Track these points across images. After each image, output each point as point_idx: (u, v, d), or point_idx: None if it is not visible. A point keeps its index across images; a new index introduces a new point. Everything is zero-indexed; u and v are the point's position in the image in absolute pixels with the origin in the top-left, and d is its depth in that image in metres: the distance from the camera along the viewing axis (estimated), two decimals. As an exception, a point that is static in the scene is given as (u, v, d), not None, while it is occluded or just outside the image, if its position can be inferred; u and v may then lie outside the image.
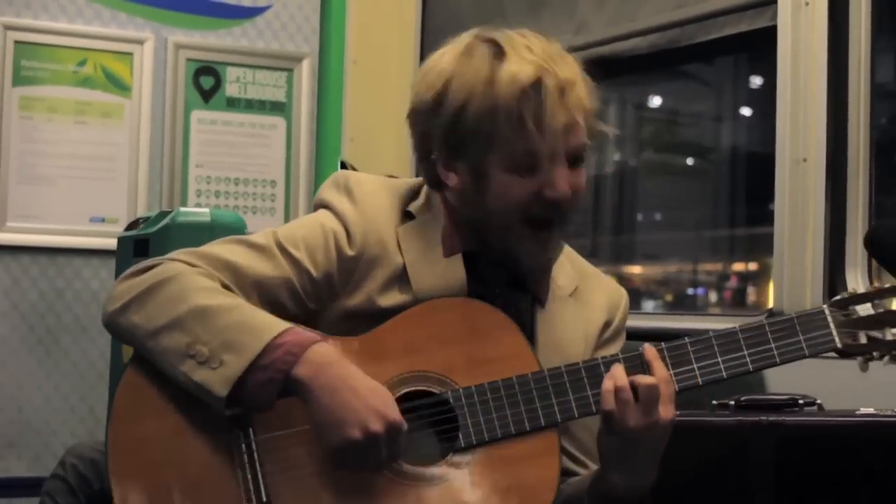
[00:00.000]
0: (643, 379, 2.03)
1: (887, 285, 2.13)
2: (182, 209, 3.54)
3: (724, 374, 2.09)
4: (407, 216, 2.24)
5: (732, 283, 8.67)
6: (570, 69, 2.13)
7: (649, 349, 2.09)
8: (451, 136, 2.13)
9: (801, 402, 2.71)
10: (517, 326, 2.14)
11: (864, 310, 2.11)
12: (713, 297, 8.74)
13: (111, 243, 4.30)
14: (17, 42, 4.84)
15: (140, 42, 5.03)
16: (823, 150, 3.49)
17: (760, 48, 3.91)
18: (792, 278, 3.52)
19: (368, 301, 2.16)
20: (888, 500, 2.52)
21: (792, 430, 2.55)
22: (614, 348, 2.34)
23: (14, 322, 4.80)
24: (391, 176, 2.39)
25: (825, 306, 2.11)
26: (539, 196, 2.10)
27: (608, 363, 2.10)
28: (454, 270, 2.20)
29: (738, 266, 8.40)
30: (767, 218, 3.73)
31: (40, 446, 4.80)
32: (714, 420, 2.56)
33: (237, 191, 5.18)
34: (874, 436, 2.58)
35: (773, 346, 2.09)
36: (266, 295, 2.13)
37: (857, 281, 3.45)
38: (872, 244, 2.28)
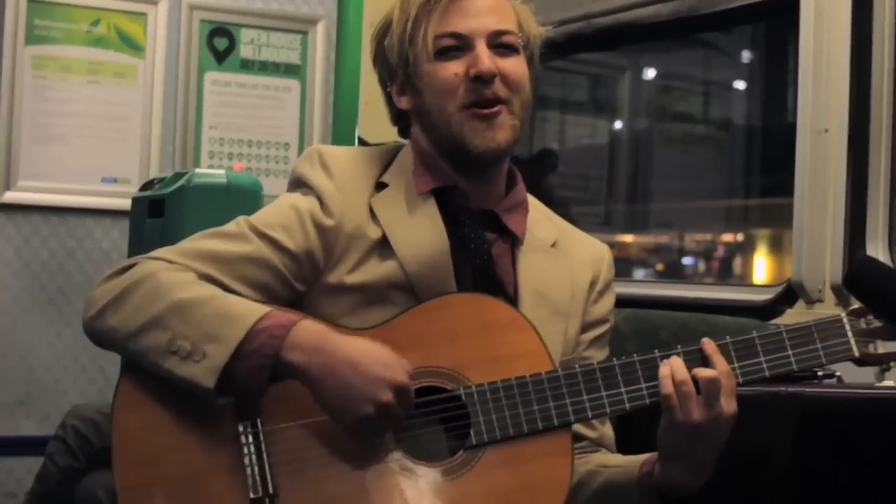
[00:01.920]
0: (704, 372, 2.02)
1: None
2: (198, 170, 3.51)
3: (741, 379, 2.07)
4: (380, 186, 2.24)
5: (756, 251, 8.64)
6: None
7: (709, 343, 2.08)
8: (390, 63, 2.26)
9: (820, 374, 2.69)
10: (531, 323, 2.12)
11: (881, 320, 2.10)
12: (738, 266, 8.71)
13: (123, 204, 4.28)
14: (30, 1, 4.81)
15: (154, 2, 5.00)
16: (846, 120, 3.45)
17: (782, 16, 3.87)
18: (811, 249, 3.49)
19: (352, 274, 2.15)
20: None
21: (811, 401, 2.53)
22: (607, 302, 2.36)
23: (25, 281, 4.79)
24: (365, 143, 2.42)
25: (843, 315, 2.11)
26: (466, 76, 2.17)
27: (624, 365, 2.08)
28: (431, 222, 2.20)
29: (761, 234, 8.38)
30: (783, 189, 3.71)
31: (50, 405, 4.79)
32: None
33: (250, 153, 5.16)
34: (894, 408, 2.55)
35: (790, 353, 2.09)
36: (252, 280, 2.12)
37: (877, 253, 3.42)
38: (853, 282, 2.25)
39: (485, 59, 2.17)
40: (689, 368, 2.03)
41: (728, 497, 2.53)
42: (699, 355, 2.07)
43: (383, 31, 2.29)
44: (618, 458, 2.24)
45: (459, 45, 2.20)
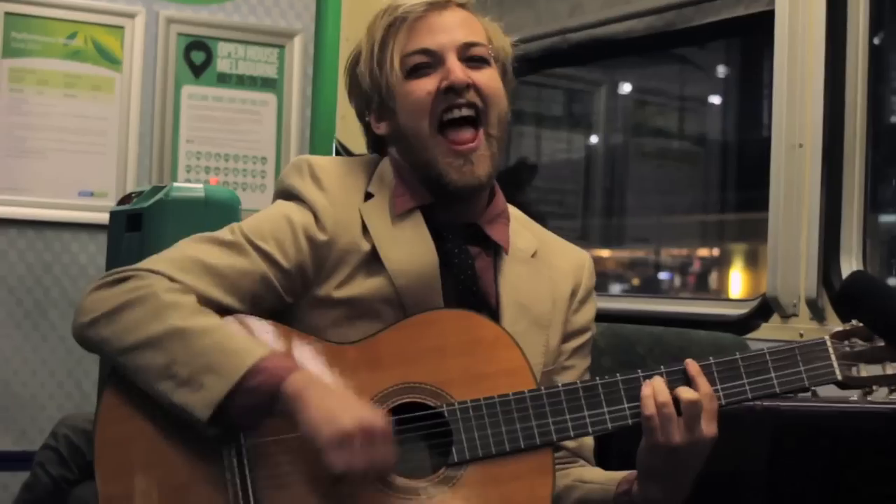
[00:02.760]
0: (687, 394, 2.02)
1: None
2: (176, 184, 3.51)
3: (723, 401, 2.07)
4: (368, 196, 2.24)
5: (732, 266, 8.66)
6: None
7: (693, 364, 2.08)
8: (363, 89, 2.27)
9: (795, 388, 2.70)
10: (515, 341, 2.11)
11: (864, 342, 2.11)
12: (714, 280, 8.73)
13: (100, 217, 4.27)
14: (7, 13, 4.80)
15: (131, 16, 5.00)
16: (820, 135, 3.48)
17: (757, 32, 3.89)
18: (786, 264, 3.51)
19: (341, 288, 2.15)
20: (882, 486, 2.51)
21: (787, 416, 2.54)
22: (589, 311, 2.37)
23: (1, 296, 4.78)
24: (344, 148, 2.42)
25: (827, 338, 2.11)
26: (439, 90, 2.18)
27: (607, 384, 2.08)
28: (420, 237, 2.19)
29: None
30: (759, 203, 3.72)
31: (27, 421, 4.77)
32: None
33: (227, 167, 5.15)
34: (868, 423, 2.57)
35: (773, 375, 2.09)
36: (246, 293, 2.11)
37: (851, 267, 3.44)
38: (846, 299, 2.26)
39: (456, 70, 2.18)
40: (672, 389, 2.04)
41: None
42: (682, 376, 2.07)
43: (355, 60, 2.30)
44: (595, 474, 2.24)
45: (430, 62, 2.20)
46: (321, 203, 2.17)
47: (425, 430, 2.04)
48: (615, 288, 8.47)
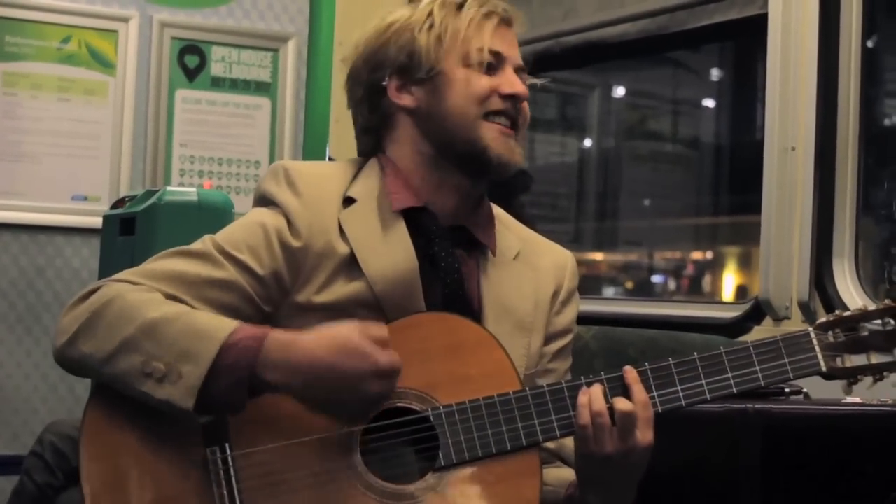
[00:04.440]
0: (621, 404, 2.02)
1: (871, 307, 2.12)
2: (169, 188, 3.51)
3: (707, 395, 2.08)
4: (348, 201, 2.21)
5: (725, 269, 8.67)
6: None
7: (630, 371, 2.08)
8: (407, 56, 2.24)
9: (787, 390, 2.71)
10: (499, 343, 2.12)
11: (848, 332, 2.11)
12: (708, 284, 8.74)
13: (93, 221, 4.26)
14: (0, 17, 4.79)
15: (125, 20, 4.99)
16: (812, 138, 3.49)
17: (750, 35, 3.90)
18: (778, 267, 3.52)
19: (320, 294, 2.13)
20: (874, 488, 2.52)
21: (779, 418, 2.55)
22: (571, 312, 2.36)
23: (-6, 299, 4.77)
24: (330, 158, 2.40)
25: (811, 329, 2.11)
26: (496, 91, 2.22)
27: (590, 383, 2.08)
28: (400, 241, 2.18)
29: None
30: (752, 207, 3.73)
31: (19, 424, 4.77)
32: (701, 408, 2.56)
33: (221, 171, 5.15)
34: (860, 425, 2.57)
35: (757, 368, 2.09)
36: (218, 303, 2.08)
37: (843, 270, 3.45)
38: None
39: (519, 84, 2.24)
40: (609, 397, 2.04)
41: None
42: (620, 383, 2.08)
43: (392, 21, 2.28)
44: (552, 475, 2.22)
45: (494, 65, 2.24)
46: (294, 207, 2.15)
47: (411, 434, 2.04)
48: (608, 291, 8.48)
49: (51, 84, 4.87)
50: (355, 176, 2.27)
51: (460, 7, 2.26)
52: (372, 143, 2.33)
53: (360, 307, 2.12)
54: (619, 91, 8.16)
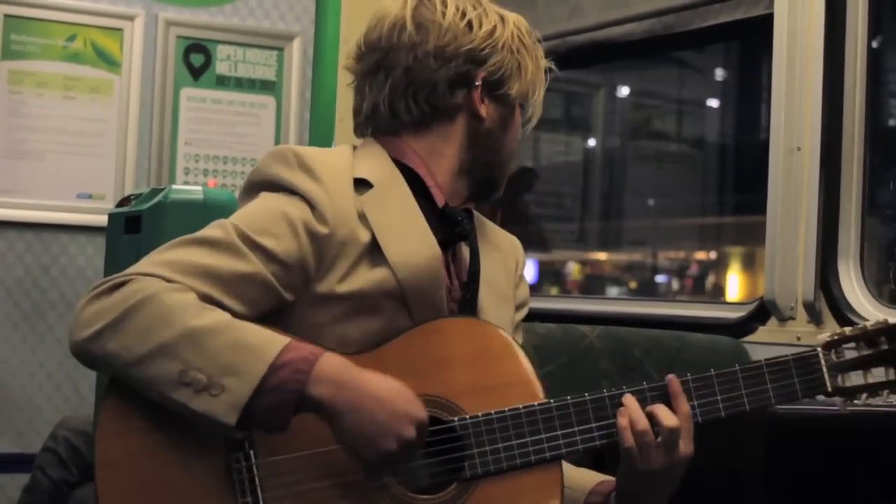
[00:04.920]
0: (668, 420, 2.03)
1: (870, 326, 2.13)
2: (175, 186, 3.50)
3: (722, 413, 2.10)
4: (359, 184, 2.14)
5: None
6: None
7: (674, 382, 2.08)
8: (510, 71, 2.22)
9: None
10: (522, 351, 2.11)
11: (851, 351, 2.14)
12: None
13: (98, 220, 4.27)
14: (6, 16, 4.80)
15: (130, 18, 5.00)
16: (818, 139, 3.48)
17: (756, 35, 3.90)
18: (783, 267, 3.51)
19: (343, 282, 2.06)
20: (876, 487, 2.52)
21: (783, 419, 2.54)
22: (526, 287, 2.39)
23: (-1, 298, 4.78)
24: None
25: (819, 349, 2.13)
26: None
27: (613, 396, 2.08)
28: (419, 227, 2.14)
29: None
30: (757, 207, 3.73)
31: (24, 423, 4.77)
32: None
33: (226, 169, 5.16)
34: (864, 426, 2.57)
35: (769, 387, 2.11)
36: (247, 297, 2.00)
37: (849, 271, 3.44)
38: None
39: None
40: (646, 407, 2.05)
41: (702, 513, 2.55)
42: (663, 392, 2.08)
43: (503, 26, 2.24)
44: (567, 477, 2.19)
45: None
46: (318, 194, 2.06)
47: (438, 445, 2.01)
48: (613, 290, 8.47)
49: (56, 82, 4.88)
50: (354, 159, 2.19)
51: (534, 47, 2.28)
52: (415, 118, 2.21)
53: (383, 297, 2.07)
54: (624, 91, 8.14)
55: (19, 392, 4.80)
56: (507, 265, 2.33)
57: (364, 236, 2.08)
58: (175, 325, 1.89)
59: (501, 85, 2.20)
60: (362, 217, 2.09)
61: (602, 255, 8.58)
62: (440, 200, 2.18)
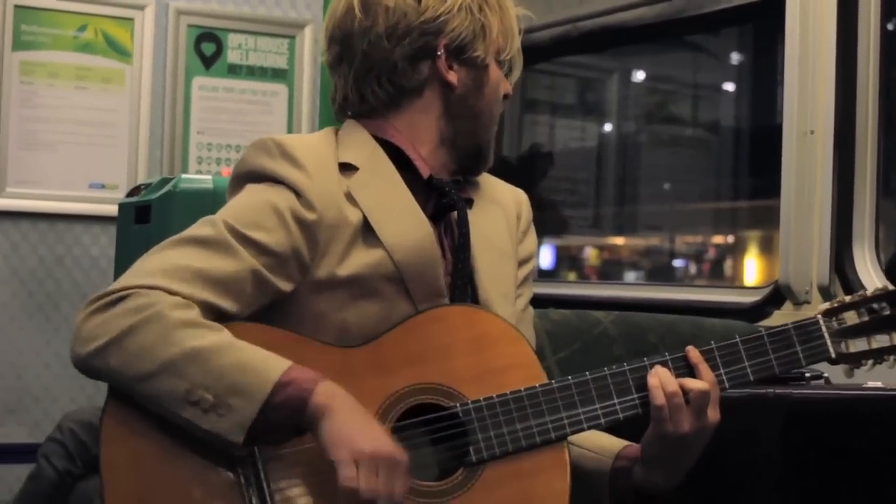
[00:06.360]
0: (694, 384, 2.04)
1: (870, 292, 2.14)
2: (184, 176, 3.51)
3: (726, 384, 2.10)
4: (344, 167, 2.14)
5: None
6: None
7: (693, 351, 2.09)
8: (470, 34, 2.20)
9: (807, 375, 2.69)
10: (522, 336, 2.11)
11: (852, 318, 2.14)
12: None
13: (111, 210, 4.27)
14: (17, 6, 4.81)
15: (141, 7, 5.00)
16: (832, 122, 3.46)
17: (769, 18, 3.88)
18: (798, 251, 3.50)
19: (341, 265, 2.06)
20: (894, 471, 2.51)
21: (799, 403, 2.53)
22: (531, 241, 2.37)
23: (14, 288, 4.78)
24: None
25: (819, 316, 2.13)
26: (506, 93, 2.28)
27: (614, 375, 2.08)
28: (408, 205, 2.15)
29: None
30: (773, 190, 3.71)
31: (40, 413, 4.79)
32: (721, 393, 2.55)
33: (238, 158, 5.14)
34: (881, 409, 2.56)
35: (772, 357, 2.12)
36: (244, 296, 2.01)
37: (863, 254, 3.43)
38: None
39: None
40: (676, 377, 2.05)
41: (716, 499, 2.54)
42: (685, 363, 2.08)
43: None
44: (589, 440, 2.22)
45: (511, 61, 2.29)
46: (302, 181, 2.07)
47: (441, 431, 2.02)
48: (630, 276, 8.46)
49: (67, 72, 4.89)
50: (337, 142, 2.20)
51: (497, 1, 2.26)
52: (383, 100, 2.22)
53: (382, 280, 2.08)
54: (639, 75, 8.11)
55: (35, 382, 4.81)
56: (509, 219, 2.32)
57: (354, 216, 2.09)
58: (180, 343, 1.90)
59: (466, 49, 2.19)
60: (350, 198, 2.10)
61: (619, 240, 8.57)
62: (425, 172, 2.18)
